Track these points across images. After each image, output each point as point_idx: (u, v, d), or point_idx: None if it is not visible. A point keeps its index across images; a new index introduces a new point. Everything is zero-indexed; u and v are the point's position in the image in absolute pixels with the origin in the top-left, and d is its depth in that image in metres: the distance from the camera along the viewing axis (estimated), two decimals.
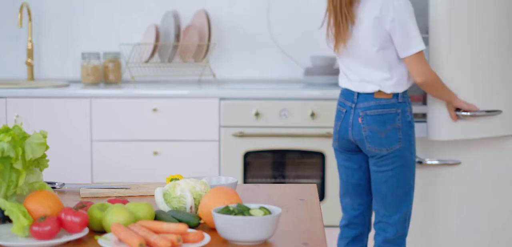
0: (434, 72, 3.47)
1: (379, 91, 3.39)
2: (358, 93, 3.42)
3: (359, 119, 3.41)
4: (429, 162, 3.88)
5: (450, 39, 3.72)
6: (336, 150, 3.57)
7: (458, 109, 3.69)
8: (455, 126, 3.73)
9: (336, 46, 3.41)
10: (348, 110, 3.44)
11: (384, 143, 3.39)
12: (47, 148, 2.02)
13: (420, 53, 3.37)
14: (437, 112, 3.72)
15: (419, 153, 3.90)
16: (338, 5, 3.36)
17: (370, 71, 3.39)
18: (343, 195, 3.61)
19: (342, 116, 3.47)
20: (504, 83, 3.82)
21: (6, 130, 1.96)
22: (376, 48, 3.35)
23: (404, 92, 3.42)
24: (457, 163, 3.89)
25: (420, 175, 3.91)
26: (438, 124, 3.73)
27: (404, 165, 3.42)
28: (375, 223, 3.53)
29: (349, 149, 3.50)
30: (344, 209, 3.62)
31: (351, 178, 3.55)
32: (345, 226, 3.62)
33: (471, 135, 3.78)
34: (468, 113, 3.67)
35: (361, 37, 3.36)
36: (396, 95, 3.39)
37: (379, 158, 3.41)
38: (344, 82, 3.48)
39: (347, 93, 3.46)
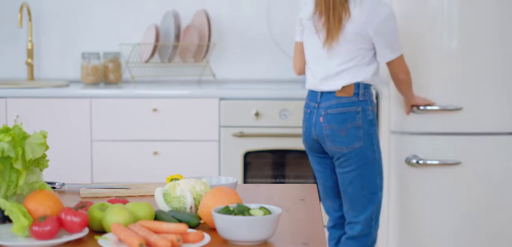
0: (409, 74, 3.64)
1: (341, 89, 3.43)
2: (321, 93, 3.48)
3: (321, 118, 3.46)
4: (429, 162, 3.88)
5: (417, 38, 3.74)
6: (307, 153, 3.64)
7: (414, 106, 3.85)
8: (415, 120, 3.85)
9: (326, 40, 3.45)
10: (312, 111, 3.52)
11: (344, 142, 3.43)
12: (47, 148, 2.02)
13: (400, 57, 3.53)
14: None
15: (419, 152, 3.90)
16: (332, 1, 3.39)
17: (344, 68, 3.44)
18: (323, 198, 3.69)
19: (307, 117, 3.55)
20: (466, 81, 3.83)
21: (6, 130, 1.96)
22: (356, 47, 3.41)
23: (366, 91, 3.46)
24: (457, 163, 3.88)
25: (420, 175, 3.91)
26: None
27: (367, 163, 3.45)
28: (346, 224, 3.57)
29: (316, 150, 3.57)
30: (327, 211, 3.70)
31: (326, 182, 3.62)
32: (332, 227, 3.69)
33: (430, 129, 3.87)
34: (422, 108, 3.83)
35: (348, 34, 3.41)
36: (357, 94, 3.43)
37: (341, 158, 3.47)
38: (309, 83, 3.55)
39: (312, 94, 3.54)
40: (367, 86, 3.47)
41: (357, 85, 3.44)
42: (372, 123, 3.47)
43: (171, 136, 4.26)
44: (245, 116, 4.22)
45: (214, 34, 4.67)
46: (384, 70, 3.73)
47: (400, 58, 3.54)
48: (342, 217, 3.65)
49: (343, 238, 3.60)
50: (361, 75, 3.44)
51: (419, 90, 3.85)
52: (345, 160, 3.45)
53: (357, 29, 3.40)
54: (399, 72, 3.57)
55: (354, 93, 3.43)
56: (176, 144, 4.26)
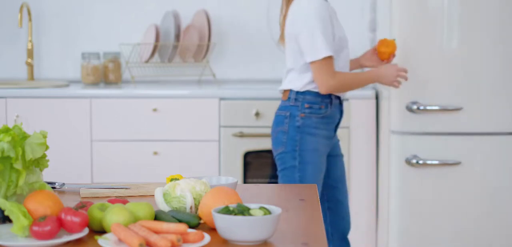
0: (336, 79, 3.31)
1: (283, 92, 3.42)
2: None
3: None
4: (429, 162, 3.88)
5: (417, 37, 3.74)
6: None
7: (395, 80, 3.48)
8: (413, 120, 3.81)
9: (278, 39, 3.50)
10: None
11: (273, 144, 3.43)
12: (47, 148, 2.02)
13: (323, 61, 3.27)
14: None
15: (419, 152, 3.90)
16: None
17: (288, 69, 3.42)
18: None
19: None
20: (466, 81, 3.83)
21: (6, 130, 1.96)
22: (291, 49, 3.37)
23: (299, 97, 3.35)
24: (457, 163, 3.88)
25: (420, 175, 3.91)
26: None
27: (285, 170, 3.37)
28: None
29: None
30: None
31: None
32: None
33: (430, 129, 3.85)
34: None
35: (286, 34, 3.41)
36: (289, 98, 3.37)
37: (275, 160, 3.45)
38: None
39: None
40: (304, 92, 3.34)
41: (292, 90, 3.37)
42: (299, 130, 3.33)
43: (171, 136, 4.26)
44: (245, 116, 4.22)
45: (214, 34, 4.67)
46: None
47: (317, 65, 3.28)
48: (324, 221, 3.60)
49: None
50: (296, 83, 3.35)
51: (419, 90, 3.84)
52: (276, 163, 3.44)
53: (288, 28, 3.36)
54: (315, 82, 3.31)
55: (288, 97, 3.38)
56: (176, 144, 4.26)
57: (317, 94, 3.34)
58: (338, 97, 3.41)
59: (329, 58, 3.28)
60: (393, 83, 3.42)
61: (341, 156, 3.57)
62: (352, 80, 3.38)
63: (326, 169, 3.47)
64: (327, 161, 3.47)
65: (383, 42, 3.52)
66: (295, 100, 3.35)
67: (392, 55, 3.53)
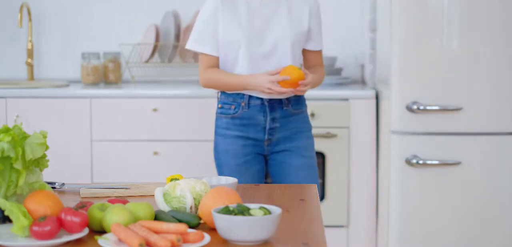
0: (205, 77, 3.21)
1: None
2: None
3: None
4: (429, 162, 3.88)
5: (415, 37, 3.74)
6: None
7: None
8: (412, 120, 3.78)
9: None
10: None
11: None
12: (47, 148, 2.02)
13: (199, 55, 3.24)
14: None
15: (419, 152, 3.90)
16: None
17: None
18: None
19: None
20: (466, 81, 3.83)
21: (6, 130, 1.96)
22: None
23: (218, 97, 3.27)
24: (457, 163, 3.88)
25: (420, 175, 3.90)
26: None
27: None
28: None
29: None
30: None
31: None
32: None
33: (429, 129, 3.84)
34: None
35: None
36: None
37: None
38: None
39: None
40: (219, 92, 3.26)
41: None
42: (215, 132, 3.29)
43: (171, 136, 4.26)
44: None
45: None
46: (382, 69, 3.73)
47: (198, 56, 3.26)
48: None
49: None
50: None
51: (419, 90, 3.84)
52: None
53: None
54: (199, 74, 3.26)
55: None
56: (176, 144, 4.26)
57: (229, 94, 3.22)
58: (261, 99, 3.20)
59: (201, 54, 3.21)
60: (264, 91, 3.14)
61: (299, 166, 3.28)
62: (220, 81, 3.18)
63: (271, 173, 3.33)
64: (271, 165, 3.29)
65: (287, 69, 3.13)
66: (217, 100, 3.30)
67: (294, 83, 3.12)
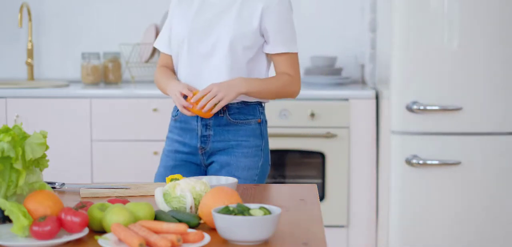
0: (154, 77, 2.97)
1: None
2: None
3: None
4: (429, 162, 3.88)
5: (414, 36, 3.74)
6: None
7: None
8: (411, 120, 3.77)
9: None
10: None
11: None
12: (47, 148, 2.02)
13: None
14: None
15: (419, 152, 3.90)
16: None
17: None
18: None
19: None
20: (466, 81, 3.83)
21: (6, 130, 1.96)
22: None
23: None
24: (457, 163, 3.89)
25: (420, 175, 3.90)
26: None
27: None
28: None
29: None
30: None
31: None
32: None
33: (428, 129, 3.84)
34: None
35: None
36: None
37: None
38: None
39: None
40: None
41: None
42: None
43: None
44: None
45: None
46: (382, 69, 3.73)
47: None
48: None
49: None
50: None
51: (419, 90, 3.84)
52: None
53: None
54: None
55: None
56: None
57: None
58: None
59: (161, 52, 3.00)
60: (175, 102, 2.82)
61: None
62: (159, 82, 2.92)
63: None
64: (205, 173, 2.96)
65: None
66: None
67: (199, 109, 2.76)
